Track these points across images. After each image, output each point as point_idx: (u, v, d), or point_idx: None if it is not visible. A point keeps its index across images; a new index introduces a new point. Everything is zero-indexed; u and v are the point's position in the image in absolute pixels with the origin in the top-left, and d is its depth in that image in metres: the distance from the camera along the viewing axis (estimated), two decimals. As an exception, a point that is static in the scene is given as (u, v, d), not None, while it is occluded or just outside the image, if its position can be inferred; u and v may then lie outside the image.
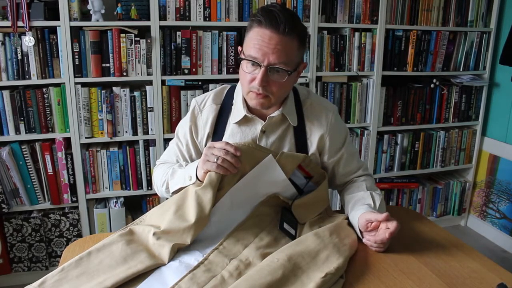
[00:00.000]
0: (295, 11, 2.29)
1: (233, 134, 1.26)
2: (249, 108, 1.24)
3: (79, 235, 2.23)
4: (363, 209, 1.16)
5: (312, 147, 1.28)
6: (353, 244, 1.11)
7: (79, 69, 2.07)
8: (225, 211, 1.13)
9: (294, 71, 1.16)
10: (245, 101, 1.24)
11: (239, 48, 1.21)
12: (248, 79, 1.15)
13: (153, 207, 2.34)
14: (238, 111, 1.26)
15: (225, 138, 1.26)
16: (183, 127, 1.32)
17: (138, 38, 2.10)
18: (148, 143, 2.25)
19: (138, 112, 2.19)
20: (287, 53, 1.11)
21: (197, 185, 1.12)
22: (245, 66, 1.16)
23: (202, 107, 1.30)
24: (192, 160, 1.31)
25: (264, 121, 1.24)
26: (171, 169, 1.26)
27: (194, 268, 0.97)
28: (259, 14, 1.12)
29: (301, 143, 1.27)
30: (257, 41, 1.11)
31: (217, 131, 1.28)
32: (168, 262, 1.01)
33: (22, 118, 2.07)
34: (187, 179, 1.17)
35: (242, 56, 1.16)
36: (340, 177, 1.34)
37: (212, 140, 1.28)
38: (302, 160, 1.22)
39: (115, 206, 2.25)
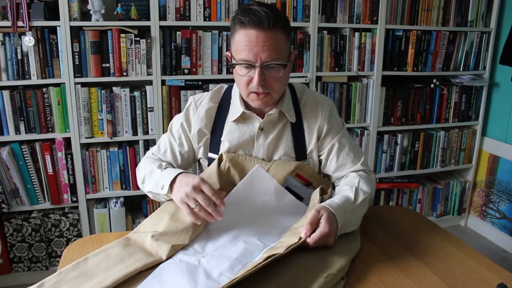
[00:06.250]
0: (295, 11, 2.29)
1: (231, 132, 1.26)
2: (246, 106, 1.25)
3: (79, 235, 2.23)
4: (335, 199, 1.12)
5: (311, 144, 1.28)
6: (356, 245, 1.11)
7: (79, 69, 2.07)
8: (224, 218, 1.12)
9: (288, 62, 1.17)
10: (242, 98, 1.25)
11: (227, 54, 1.22)
12: (245, 81, 1.16)
13: (153, 207, 2.36)
14: (235, 109, 1.26)
15: (223, 137, 1.27)
16: (177, 121, 1.33)
17: (138, 38, 2.10)
18: (148, 143, 2.25)
19: (138, 112, 2.19)
20: (277, 48, 1.12)
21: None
22: (239, 70, 1.16)
23: (199, 103, 1.30)
24: (181, 155, 1.31)
25: (262, 119, 1.25)
26: (150, 167, 1.24)
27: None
28: (240, 15, 1.12)
29: (299, 141, 1.28)
30: (245, 43, 1.11)
31: (215, 130, 1.28)
32: (168, 260, 1.01)
33: (22, 118, 2.07)
34: (159, 187, 1.15)
35: (233, 61, 1.17)
36: (335, 171, 1.29)
37: (211, 139, 1.29)
38: (296, 167, 1.21)
39: (115, 206, 2.25)
